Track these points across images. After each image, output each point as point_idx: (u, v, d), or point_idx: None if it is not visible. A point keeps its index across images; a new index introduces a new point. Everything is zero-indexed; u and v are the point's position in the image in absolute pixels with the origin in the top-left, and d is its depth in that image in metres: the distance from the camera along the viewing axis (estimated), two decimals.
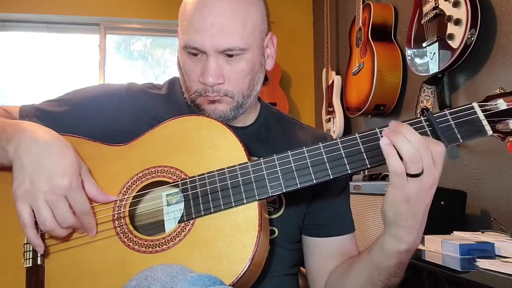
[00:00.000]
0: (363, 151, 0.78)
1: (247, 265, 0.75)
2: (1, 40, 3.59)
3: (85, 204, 0.79)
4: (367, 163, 0.77)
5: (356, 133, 0.79)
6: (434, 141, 0.73)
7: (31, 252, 0.83)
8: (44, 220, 0.76)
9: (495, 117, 0.75)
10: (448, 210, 1.63)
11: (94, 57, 3.64)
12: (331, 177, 0.78)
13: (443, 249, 1.31)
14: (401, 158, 0.71)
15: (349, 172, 0.78)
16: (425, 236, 1.42)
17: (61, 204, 0.77)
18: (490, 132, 0.75)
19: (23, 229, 0.77)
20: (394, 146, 0.72)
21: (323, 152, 0.79)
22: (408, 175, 0.71)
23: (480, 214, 1.73)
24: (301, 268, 1.09)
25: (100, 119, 0.97)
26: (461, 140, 0.75)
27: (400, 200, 0.73)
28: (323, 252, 1.00)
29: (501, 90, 0.76)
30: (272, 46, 1.00)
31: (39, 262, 0.82)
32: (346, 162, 0.78)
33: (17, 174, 0.77)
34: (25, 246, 0.84)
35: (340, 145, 0.79)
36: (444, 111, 0.77)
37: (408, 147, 0.70)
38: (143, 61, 4.03)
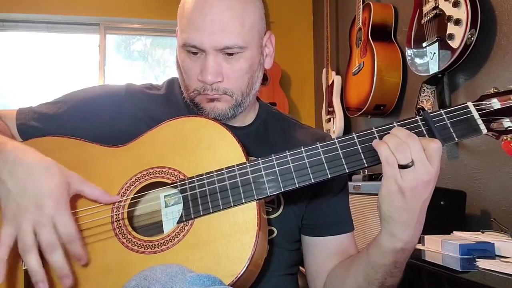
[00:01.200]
0: (360, 151, 0.79)
1: (246, 265, 0.75)
2: (1, 40, 3.59)
3: (72, 229, 0.75)
4: (365, 162, 0.78)
5: (354, 133, 0.80)
6: (428, 139, 0.75)
7: None
8: (23, 241, 0.72)
9: (489, 116, 0.76)
10: (448, 210, 1.63)
11: (94, 57, 3.64)
12: (329, 176, 0.79)
13: (443, 249, 1.31)
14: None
15: (347, 171, 0.79)
16: (425, 236, 1.42)
17: (47, 226, 0.73)
18: (485, 131, 0.76)
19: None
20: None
21: (321, 152, 0.80)
22: (400, 166, 0.73)
23: (480, 214, 1.73)
24: (301, 268, 1.09)
25: (100, 120, 0.97)
26: (456, 139, 0.77)
27: (394, 192, 0.74)
28: (322, 252, 1.00)
29: (495, 90, 0.78)
30: (271, 45, 1.00)
31: None
32: (344, 162, 0.79)
33: (3, 199, 0.75)
34: None
35: (337, 145, 0.79)
36: (440, 110, 0.78)
37: (394, 139, 0.74)
38: (143, 61, 4.03)
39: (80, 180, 0.81)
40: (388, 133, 0.77)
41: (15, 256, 0.84)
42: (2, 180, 0.76)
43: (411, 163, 0.72)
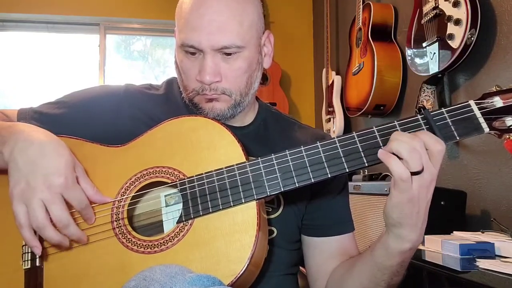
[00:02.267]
0: (360, 150, 0.78)
1: (246, 265, 0.75)
2: (1, 40, 3.59)
3: (83, 199, 0.80)
4: (365, 161, 0.78)
5: (354, 132, 0.79)
6: (433, 138, 0.73)
7: (29, 254, 0.83)
8: (36, 218, 0.76)
9: (491, 114, 0.75)
10: (448, 210, 1.63)
11: (94, 57, 3.64)
12: (329, 176, 0.78)
13: (443, 249, 1.31)
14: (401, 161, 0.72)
15: (347, 170, 0.78)
16: (425, 236, 1.41)
17: (57, 202, 0.77)
18: (486, 129, 0.75)
19: (19, 230, 0.77)
20: (392, 153, 0.73)
21: (321, 151, 0.79)
22: (411, 173, 0.72)
23: (480, 214, 1.73)
24: (301, 268, 1.09)
25: (100, 121, 0.97)
26: (458, 138, 0.76)
27: (405, 202, 0.73)
28: (323, 252, 1.00)
29: (497, 88, 0.77)
30: (269, 44, 1.00)
31: (37, 264, 0.82)
32: (344, 161, 0.78)
33: (13, 176, 0.78)
34: (24, 247, 0.84)
35: (337, 144, 0.79)
36: (441, 109, 0.77)
37: (404, 146, 0.71)
38: (143, 61, 4.03)
39: (82, 171, 0.84)
40: (390, 132, 0.76)
41: (15, 257, 0.84)
42: (14, 158, 0.79)
43: (421, 170, 0.72)
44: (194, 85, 0.92)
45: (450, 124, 0.76)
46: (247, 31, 0.90)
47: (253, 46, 0.93)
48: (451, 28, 1.71)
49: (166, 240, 0.80)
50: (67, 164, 0.79)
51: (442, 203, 1.62)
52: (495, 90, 0.76)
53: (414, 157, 0.71)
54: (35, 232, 0.78)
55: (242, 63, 0.91)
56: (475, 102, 0.76)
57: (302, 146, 0.80)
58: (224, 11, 0.87)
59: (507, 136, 0.76)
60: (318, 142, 0.80)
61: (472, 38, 1.64)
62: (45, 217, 0.76)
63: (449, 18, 1.72)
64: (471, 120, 0.76)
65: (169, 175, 0.84)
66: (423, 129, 0.77)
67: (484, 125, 0.75)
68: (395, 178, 0.72)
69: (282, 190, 0.80)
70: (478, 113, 0.76)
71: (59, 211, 0.77)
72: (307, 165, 0.79)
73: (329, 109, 3.04)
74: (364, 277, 0.86)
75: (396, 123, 0.78)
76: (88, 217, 0.82)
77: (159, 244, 0.80)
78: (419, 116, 0.78)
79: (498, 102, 0.75)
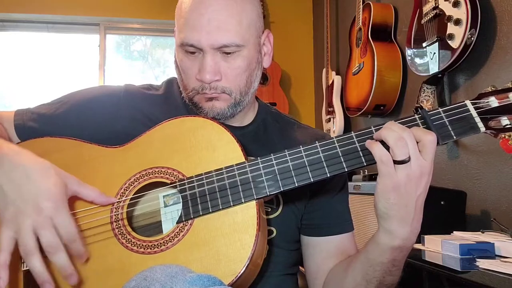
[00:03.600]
0: (359, 149, 0.79)
1: (246, 264, 0.75)
2: (1, 40, 3.59)
3: (72, 229, 0.75)
4: (363, 160, 0.78)
5: (352, 132, 0.80)
6: (423, 130, 0.75)
7: None
8: (24, 245, 0.72)
9: (487, 114, 0.76)
10: (448, 210, 1.63)
11: (94, 57, 3.64)
12: (328, 175, 0.79)
13: (443, 249, 1.31)
14: (387, 149, 0.74)
15: (346, 170, 0.79)
16: (425, 236, 1.42)
17: (48, 227, 0.73)
18: (483, 129, 0.77)
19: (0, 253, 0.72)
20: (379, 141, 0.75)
21: (320, 151, 0.80)
22: (395, 162, 0.73)
23: (480, 214, 1.73)
24: (301, 268, 1.09)
25: (99, 121, 0.97)
26: (455, 137, 0.77)
27: (389, 189, 0.74)
28: (322, 252, 1.00)
29: (492, 88, 0.78)
30: (269, 43, 1.00)
31: None
32: (343, 160, 0.79)
33: (1, 203, 0.75)
34: None
35: (336, 144, 0.80)
36: (438, 109, 0.78)
37: (391, 134, 0.73)
38: (143, 61, 4.03)
39: (77, 182, 0.81)
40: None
41: (14, 258, 0.84)
42: None
43: (407, 159, 0.73)
44: (194, 84, 0.92)
45: (447, 123, 0.77)
46: (246, 30, 0.90)
47: (253, 45, 0.93)
48: (451, 28, 1.71)
49: (166, 240, 0.80)
50: (55, 186, 0.75)
51: (442, 203, 1.62)
52: (490, 90, 0.78)
53: (399, 145, 0.72)
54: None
55: (242, 62, 0.91)
56: (471, 102, 0.78)
57: (301, 146, 0.81)
58: (223, 10, 0.88)
59: (503, 136, 0.77)
60: (317, 141, 0.80)
61: (472, 38, 1.64)
62: (34, 245, 0.72)
63: (449, 18, 1.72)
64: (467, 120, 0.77)
65: (169, 175, 0.84)
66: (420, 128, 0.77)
67: (480, 124, 0.77)
68: (377, 162, 0.74)
69: (282, 190, 0.80)
70: (474, 113, 0.77)
71: (48, 237, 0.73)
72: (306, 165, 0.79)
73: (329, 109, 3.04)
74: (357, 273, 0.86)
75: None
76: (77, 252, 0.76)
77: (159, 244, 0.80)
78: (416, 116, 0.79)
79: (493, 102, 0.77)
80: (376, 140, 0.76)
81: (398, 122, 0.79)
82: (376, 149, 0.74)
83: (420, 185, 0.74)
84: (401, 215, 0.75)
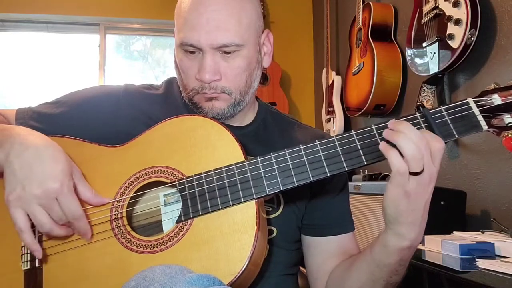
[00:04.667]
0: (359, 148, 0.78)
1: (246, 264, 0.75)
2: (1, 40, 3.59)
3: (77, 208, 0.79)
4: (364, 160, 0.77)
5: (353, 131, 0.79)
6: (433, 136, 0.73)
7: (28, 255, 0.83)
8: (42, 223, 0.77)
9: (490, 112, 0.75)
10: (448, 210, 1.63)
11: (94, 57, 3.64)
12: (328, 174, 0.78)
13: (443, 249, 1.30)
14: (402, 156, 0.71)
15: (346, 169, 0.78)
16: (425, 236, 1.41)
17: (55, 206, 0.77)
18: (485, 127, 0.75)
19: (19, 235, 0.77)
20: (395, 146, 0.72)
21: (319, 150, 0.79)
22: (410, 173, 0.71)
23: (480, 214, 1.73)
24: (301, 268, 1.09)
25: (99, 120, 0.97)
26: (456, 136, 0.76)
27: (400, 197, 0.73)
28: (323, 252, 1.00)
29: (495, 85, 0.77)
30: (269, 43, 1.00)
31: (37, 265, 0.82)
32: (343, 159, 0.78)
33: (8, 181, 0.77)
34: (23, 248, 0.84)
35: (336, 143, 0.79)
36: (440, 107, 0.77)
37: (410, 146, 0.70)
38: (143, 61, 4.03)
39: (80, 176, 0.83)
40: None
41: (15, 258, 0.84)
42: (10, 162, 0.78)
43: (422, 171, 0.71)
44: (193, 84, 0.92)
45: (449, 122, 0.76)
46: (246, 30, 0.90)
47: (252, 44, 0.92)
48: (451, 28, 1.71)
49: (166, 240, 0.80)
50: (63, 170, 0.78)
51: (442, 203, 1.62)
52: (493, 88, 0.76)
53: (417, 159, 0.70)
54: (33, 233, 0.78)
55: (242, 61, 0.91)
56: (473, 100, 0.76)
57: (301, 145, 0.80)
58: (223, 10, 0.87)
59: (506, 134, 0.76)
60: (317, 141, 0.80)
61: (472, 38, 1.64)
62: (50, 221, 0.77)
63: (449, 18, 1.72)
64: (469, 118, 0.75)
65: (168, 174, 0.84)
66: (422, 127, 0.77)
67: (482, 122, 0.75)
68: (393, 172, 0.72)
69: (282, 189, 0.79)
70: (476, 111, 0.75)
71: (59, 214, 0.77)
72: (306, 164, 0.79)
73: (329, 109, 3.04)
74: (362, 274, 0.86)
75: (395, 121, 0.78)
76: (82, 230, 0.81)
77: (158, 244, 0.80)
78: (417, 114, 0.78)
79: (496, 99, 0.75)
80: (388, 142, 0.73)
81: (399, 121, 0.78)
82: (395, 159, 0.71)
83: (429, 190, 0.74)
84: (411, 220, 0.75)
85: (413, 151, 0.70)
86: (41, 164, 0.77)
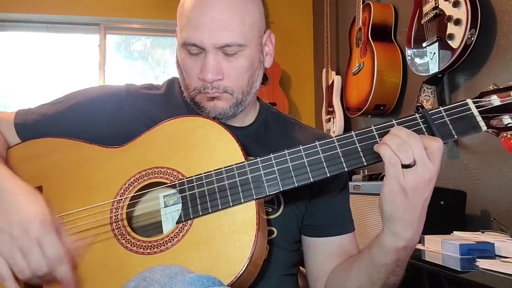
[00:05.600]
0: (359, 149, 0.78)
1: (246, 265, 0.75)
2: (1, 40, 3.59)
3: (58, 248, 0.74)
4: (364, 160, 0.78)
5: (352, 131, 0.80)
6: (430, 137, 0.75)
7: None
8: (21, 270, 0.72)
9: (489, 113, 0.76)
10: (448, 210, 1.63)
11: (94, 57, 3.64)
12: (328, 175, 0.78)
13: (443, 249, 1.30)
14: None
15: (346, 170, 0.78)
16: (425, 236, 1.41)
17: (35, 249, 0.72)
18: (484, 128, 0.76)
19: (2, 283, 0.73)
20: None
21: (319, 151, 0.79)
22: (402, 166, 0.73)
23: (480, 214, 1.73)
24: (301, 268, 1.09)
25: (99, 121, 0.97)
26: (456, 136, 0.76)
27: (396, 192, 0.74)
28: (323, 253, 1.00)
29: (494, 87, 0.77)
30: (271, 43, 1.00)
31: None
32: (343, 160, 0.78)
33: None
34: None
35: (336, 143, 0.79)
36: (439, 107, 0.78)
37: (395, 139, 0.73)
38: (143, 61, 4.03)
39: (59, 223, 0.79)
40: (388, 131, 0.77)
41: None
42: None
43: (413, 163, 0.72)
44: (196, 83, 0.92)
45: (448, 122, 0.77)
46: (249, 30, 0.90)
47: (255, 44, 0.93)
48: (451, 28, 1.71)
49: (166, 241, 0.80)
50: (42, 209, 0.75)
51: (442, 203, 1.62)
52: (492, 89, 0.77)
53: (402, 149, 0.72)
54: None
55: (244, 61, 0.91)
56: (472, 101, 0.77)
57: (301, 146, 0.80)
58: (226, 10, 0.87)
59: (505, 135, 0.76)
60: (317, 141, 0.80)
61: (472, 38, 1.64)
62: (29, 267, 0.72)
63: (449, 18, 1.72)
64: (469, 119, 0.76)
65: (168, 175, 0.84)
66: (421, 127, 0.77)
67: (481, 123, 0.76)
68: (385, 164, 0.74)
69: (281, 190, 0.79)
70: (475, 112, 0.76)
71: (39, 259, 0.73)
72: (306, 165, 0.79)
73: (329, 109, 3.04)
74: (361, 274, 0.86)
75: (394, 122, 0.79)
76: (64, 275, 0.75)
77: (158, 244, 0.80)
78: (417, 115, 0.78)
79: (495, 100, 0.76)
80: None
81: (399, 121, 0.78)
82: (385, 151, 0.74)
83: (428, 189, 0.74)
84: (407, 217, 0.75)
85: (398, 141, 0.73)
86: (18, 206, 0.74)
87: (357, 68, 2.58)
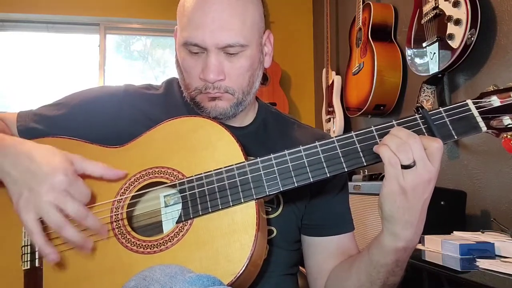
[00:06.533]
0: (359, 150, 0.78)
1: (245, 264, 0.75)
2: (1, 40, 3.59)
3: (88, 191, 0.78)
4: (364, 161, 0.78)
5: (352, 132, 0.80)
6: (429, 137, 0.75)
7: (29, 255, 0.83)
8: (52, 220, 0.74)
9: (489, 113, 0.76)
10: (448, 210, 1.63)
11: (94, 57, 3.64)
12: (328, 175, 0.79)
13: (443, 249, 1.31)
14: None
15: (346, 170, 0.78)
16: (425, 236, 1.42)
17: (68, 198, 0.75)
18: (484, 128, 0.76)
19: (31, 238, 0.75)
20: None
21: (319, 151, 0.80)
22: (402, 166, 0.73)
23: (480, 214, 1.73)
24: (301, 268, 1.09)
25: (100, 121, 0.97)
26: (456, 137, 0.77)
27: (396, 192, 0.74)
28: (323, 252, 1.00)
29: (494, 87, 0.77)
30: (270, 43, 1.00)
31: (37, 264, 0.82)
32: (343, 161, 0.79)
33: (12, 190, 0.77)
34: (23, 248, 0.84)
35: (336, 144, 0.79)
36: (439, 108, 0.78)
37: (395, 140, 0.74)
38: (143, 61, 4.03)
39: (81, 159, 0.82)
40: (388, 132, 0.77)
41: (14, 257, 0.84)
42: (7, 172, 0.78)
43: (413, 163, 0.72)
44: (196, 83, 0.92)
45: (448, 123, 0.77)
46: (249, 30, 0.90)
47: (255, 45, 0.93)
48: (451, 28, 1.71)
49: (166, 240, 0.80)
50: (61, 161, 0.77)
51: (442, 203, 1.62)
52: (492, 90, 0.77)
53: (401, 150, 0.72)
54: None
55: (245, 61, 0.91)
56: (472, 102, 0.77)
57: (301, 146, 0.80)
58: (227, 10, 0.88)
59: (505, 135, 0.76)
60: (317, 141, 0.80)
61: (472, 38, 1.64)
62: (61, 217, 0.74)
63: (449, 18, 1.72)
64: (469, 119, 0.76)
65: (168, 175, 0.84)
66: (421, 128, 0.77)
67: (481, 124, 0.76)
68: (385, 164, 0.74)
69: (281, 190, 0.80)
70: (475, 112, 0.76)
71: (73, 206, 0.75)
72: (306, 165, 0.79)
73: (329, 109, 3.04)
74: (361, 274, 0.86)
75: (394, 122, 0.79)
76: (94, 226, 0.78)
77: (158, 244, 0.80)
78: (417, 116, 0.78)
79: (495, 101, 0.76)
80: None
81: (399, 122, 0.79)
82: (385, 151, 0.74)
83: (427, 190, 0.74)
84: (406, 218, 0.75)
85: (397, 142, 0.73)
86: (37, 164, 0.76)
87: (357, 68, 2.58)
